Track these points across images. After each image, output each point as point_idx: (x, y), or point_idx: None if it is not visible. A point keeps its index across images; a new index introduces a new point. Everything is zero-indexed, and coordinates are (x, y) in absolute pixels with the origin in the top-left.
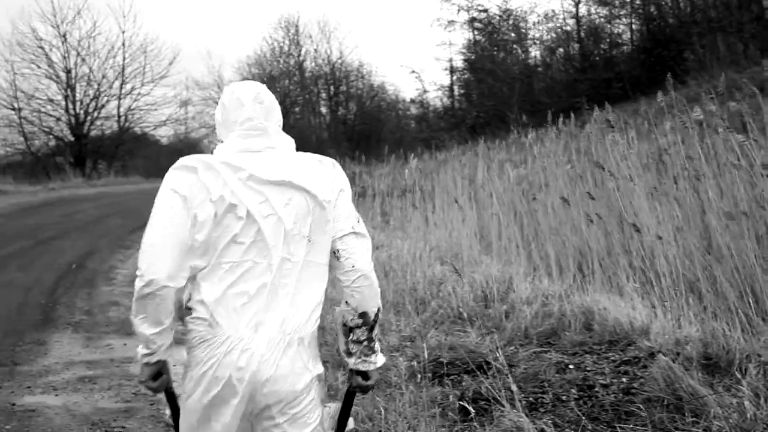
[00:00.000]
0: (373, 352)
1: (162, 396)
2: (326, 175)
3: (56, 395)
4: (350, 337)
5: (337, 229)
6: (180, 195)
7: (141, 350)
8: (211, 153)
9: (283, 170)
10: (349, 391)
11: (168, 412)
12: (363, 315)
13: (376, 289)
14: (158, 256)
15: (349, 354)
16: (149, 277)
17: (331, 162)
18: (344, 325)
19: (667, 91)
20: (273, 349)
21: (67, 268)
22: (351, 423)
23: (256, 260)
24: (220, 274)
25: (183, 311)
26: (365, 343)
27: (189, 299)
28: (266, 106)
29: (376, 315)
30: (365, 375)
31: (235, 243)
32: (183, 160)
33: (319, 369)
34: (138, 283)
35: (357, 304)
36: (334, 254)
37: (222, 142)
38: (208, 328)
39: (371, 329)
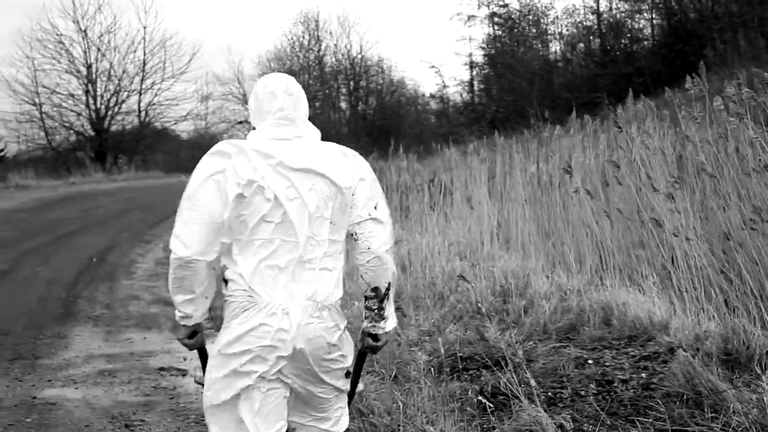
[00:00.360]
0: (383, 318)
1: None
2: (348, 164)
3: (76, 388)
4: (365, 304)
5: (355, 215)
6: (213, 179)
7: (178, 314)
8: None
9: (308, 158)
10: (361, 352)
11: (199, 374)
12: (375, 289)
13: (388, 268)
14: (191, 232)
15: (365, 318)
16: (182, 251)
17: (354, 153)
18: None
19: (696, 78)
20: (308, 315)
21: (88, 263)
22: (361, 385)
23: (283, 238)
24: (253, 249)
25: (222, 284)
26: (376, 311)
27: (223, 273)
28: (295, 98)
29: (387, 289)
30: (375, 337)
31: (264, 222)
32: (218, 146)
33: (345, 322)
34: (172, 256)
35: (370, 280)
36: (352, 237)
37: (254, 128)
38: (248, 297)
39: (381, 300)
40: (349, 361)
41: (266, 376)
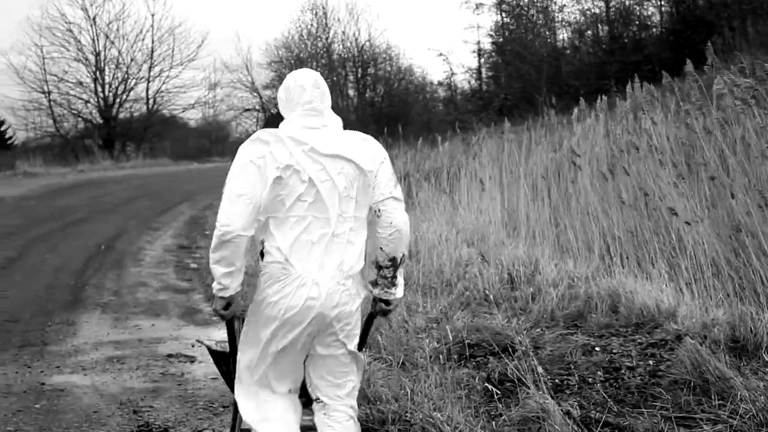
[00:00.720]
0: (394, 285)
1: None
2: (369, 149)
3: (85, 375)
4: (379, 273)
5: (377, 194)
6: (255, 164)
7: (216, 286)
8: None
9: (336, 145)
10: (371, 315)
11: (207, 342)
12: (393, 259)
13: (406, 240)
14: (235, 211)
15: (375, 284)
16: (227, 228)
17: (372, 139)
18: (376, 263)
19: (707, 62)
20: (335, 283)
21: (96, 250)
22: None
23: (316, 215)
24: (290, 225)
25: (259, 256)
26: (390, 279)
27: (263, 246)
28: (321, 91)
29: (402, 259)
30: (387, 302)
31: (299, 201)
32: (257, 134)
33: (363, 294)
34: (217, 232)
35: (389, 251)
36: (375, 213)
37: (284, 118)
38: (283, 269)
39: (396, 269)
40: (359, 329)
41: (296, 341)
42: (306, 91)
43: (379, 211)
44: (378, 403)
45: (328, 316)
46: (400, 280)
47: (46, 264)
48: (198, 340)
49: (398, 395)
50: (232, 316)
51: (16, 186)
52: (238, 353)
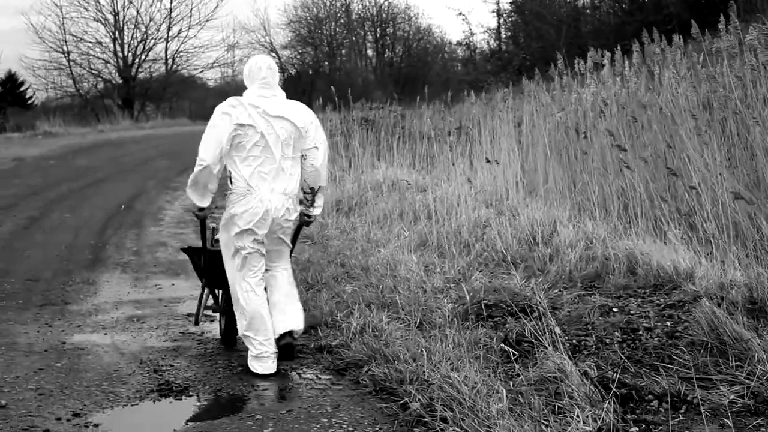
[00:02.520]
0: (313, 206)
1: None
2: (303, 113)
3: (105, 334)
4: (304, 196)
5: (307, 143)
6: (224, 119)
7: (192, 200)
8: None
9: (280, 109)
10: (299, 225)
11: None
12: (311, 189)
13: (321, 176)
14: (209, 150)
15: (301, 203)
16: (203, 161)
17: (306, 107)
18: (302, 190)
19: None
20: (281, 202)
21: (116, 209)
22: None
23: (266, 156)
24: (249, 162)
25: (228, 182)
26: (310, 201)
27: (231, 175)
28: (273, 71)
29: (318, 189)
30: (309, 216)
31: (255, 146)
32: (227, 101)
33: (298, 209)
34: (196, 163)
35: (310, 182)
36: (302, 157)
37: (247, 88)
38: (247, 191)
39: (314, 195)
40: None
41: (257, 238)
42: (262, 70)
43: (306, 156)
44: (396, 362)
45: (275, 222)
46: (318, 203)
47: (67, 224)
48: (180, 248)
49: (416, 355)
50: (204, 218)
51: (36, 146)
52: (223, 253)
